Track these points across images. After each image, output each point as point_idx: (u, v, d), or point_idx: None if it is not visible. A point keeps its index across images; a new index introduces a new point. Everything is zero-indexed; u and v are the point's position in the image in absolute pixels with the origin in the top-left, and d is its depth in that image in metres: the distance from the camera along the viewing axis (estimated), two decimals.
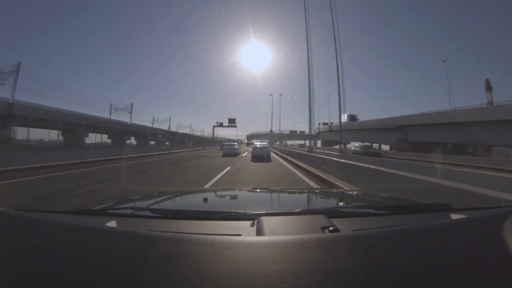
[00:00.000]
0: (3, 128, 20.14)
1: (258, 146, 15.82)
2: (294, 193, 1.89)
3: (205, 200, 1.42)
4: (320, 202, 1.60)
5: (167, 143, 45.59)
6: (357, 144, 31.59)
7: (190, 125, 62.05)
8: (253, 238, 0.67)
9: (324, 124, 60.94)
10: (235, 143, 21.55)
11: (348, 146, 44.29)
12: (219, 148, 25.85)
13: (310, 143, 25.38)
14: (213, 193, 1.79)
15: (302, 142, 71.06)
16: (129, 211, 1.01)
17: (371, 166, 5.15)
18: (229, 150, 18.39)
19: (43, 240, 0.62)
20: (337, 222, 0.77)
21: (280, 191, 1.93)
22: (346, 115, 48.68)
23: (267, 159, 14.14)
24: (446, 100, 39.17)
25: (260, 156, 14.18)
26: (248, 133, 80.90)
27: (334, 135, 46.51)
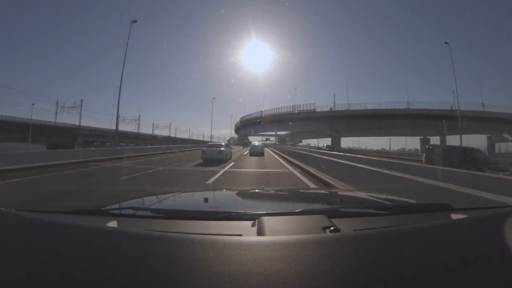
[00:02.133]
0: None
1: (256, 145, 21.85)
2: (294, 193, 1.89)
3: (206, 200, 1.42)
4: (320, 202, 1.60)
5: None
6: None
7: (139, 116, 46.21)
8: (254, 238, 0.67)
9: None
10: (222, 144, 14.44)
11: None
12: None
13: None
14: (213, 193, 1.79)
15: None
16: (129, 211, 1.01)
17: None
18: (211, 155, 12.38)
19: (43, 240, 0.62)
20: (338, 222, 0.77)
21: (281, 191, 1.93)
22: None
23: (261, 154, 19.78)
24: None
25: (256, 153, 19.91)
26: (238, 119, 58.67)
27: None
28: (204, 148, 13.54)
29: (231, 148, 16.61)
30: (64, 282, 0.47)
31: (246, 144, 42.49)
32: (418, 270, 0.49)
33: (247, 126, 54.46)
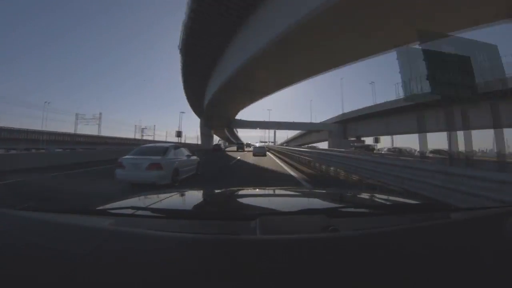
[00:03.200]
0: None
1: (257, 146, 23.30)
2: (294, 192, 1.90)
3: (205, 199, 1.42)
4: (320, 202, 1.60)
5: None
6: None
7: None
8: (253, 237, 0.67)
9: None
10: (166, 146, 7.01)
11: None
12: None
13: None
14: (213, 193, 1.80)
15: None
16: (129, 211, 1.01)
17: None
18: (135, 173, 5.97)
19: (43, 240, 0.62)
20: (338, 221, 0.77)
21: (281, 191, 1.93)
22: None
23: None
24: None
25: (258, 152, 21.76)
26: None
27: None
28: (122, 158, 6.30)
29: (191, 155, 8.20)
30: (63, 282, 0.47)
31: (238, 146, 28.69)
32: (418, 270, 0.49)
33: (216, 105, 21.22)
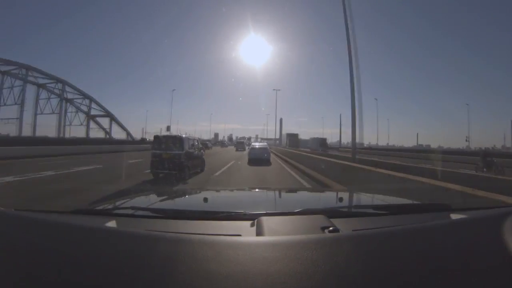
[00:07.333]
0: None
1: (257, 146, 16.55)
2: (294, 193, 1.90)
3: (205, 200, 1.42)
4: (320, 202, 1.60)
5: None
6: None
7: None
8: (253, 238, 0.67)
9: None
10: None
11: None
12: None
13: None
14: (213, 193, 1.80)
15: None
16: (129, 211, 1.01)
17: None
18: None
19: (43, 240, 0.62)
20: (337, 222, 0.77)
21: (280, 191, 1.93)
22: None
23: None
24: None
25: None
26: None
27: None
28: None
29: None
30: (62, 282, 0.47)
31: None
32: (418, 270, 0.49)
33: None
